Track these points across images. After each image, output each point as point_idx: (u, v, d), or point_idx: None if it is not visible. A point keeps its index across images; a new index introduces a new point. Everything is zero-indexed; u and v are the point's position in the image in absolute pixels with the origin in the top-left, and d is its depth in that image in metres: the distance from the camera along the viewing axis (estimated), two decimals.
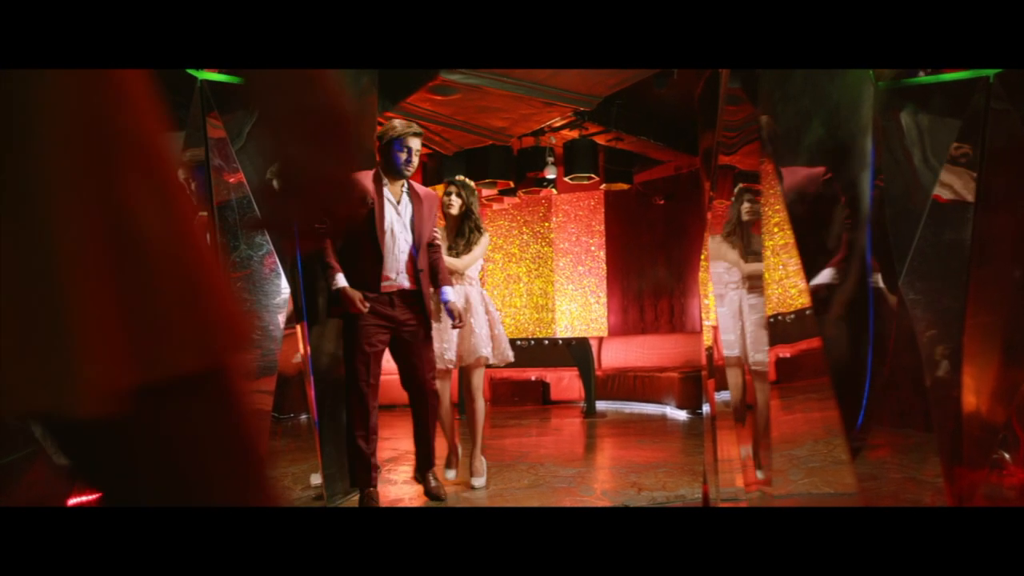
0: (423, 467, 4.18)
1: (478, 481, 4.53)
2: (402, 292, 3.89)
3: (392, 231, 3.84)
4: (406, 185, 3.95)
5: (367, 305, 3.75)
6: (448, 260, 4.43)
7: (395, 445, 6.19)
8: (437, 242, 4.12)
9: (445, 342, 4.40)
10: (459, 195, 4.56)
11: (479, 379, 4.58)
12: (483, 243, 4.61)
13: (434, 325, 4.37)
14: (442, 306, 4.23)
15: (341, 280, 3.72)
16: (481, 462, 4.60)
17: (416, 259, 3.91)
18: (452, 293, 4.10)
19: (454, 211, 4.56)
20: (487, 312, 4.55)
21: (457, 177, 4.71)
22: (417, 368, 3.96)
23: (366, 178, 3.82)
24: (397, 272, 3.85)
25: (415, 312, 3.94)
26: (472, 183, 4.70)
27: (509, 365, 4.75)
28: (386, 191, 3.85)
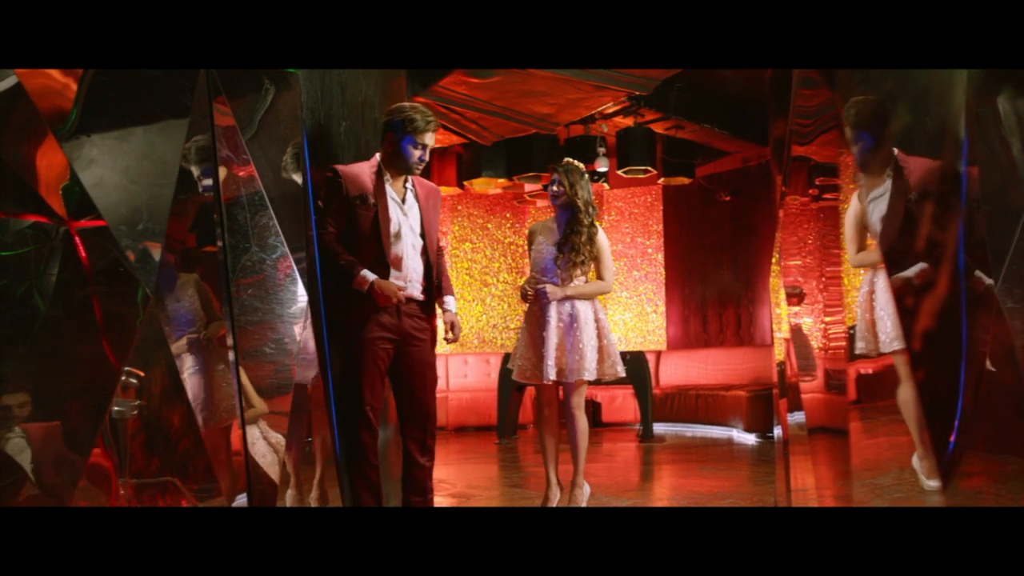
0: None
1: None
2: (411, 302, 3.78)
3: (400, 234, 3.75)
4: (409, 180, 3.85)
5: (404, 296, 3.68)
6: (593, 286, 4.50)
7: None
8: (442, 244, 4.04)
9: (546, 356, 4.38)
10: (560, 184, 4.43)
11: (580, 397, 4.65)
12: (604, 246, 4.53)
13: (535, 336, 4.43)
14: (549, 317, 4.36)
15: (370, 275, 3.59)
16: (582, 490, 4.68)
17: (426, 265, 3.84)
18: (455, 303, 4.01)
19: (558, 202, 4.47)
20: (596, 320, 4.49)
21: (564, 160, 4.56)
22: (418, 389, 3.83)
23: (363, 172, 3.72)
24: (407, 280, 3.73)
25: (424, 324, 3.84)
26: (580, 164, 4.53)
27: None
28: (388, 188, 3.75)
